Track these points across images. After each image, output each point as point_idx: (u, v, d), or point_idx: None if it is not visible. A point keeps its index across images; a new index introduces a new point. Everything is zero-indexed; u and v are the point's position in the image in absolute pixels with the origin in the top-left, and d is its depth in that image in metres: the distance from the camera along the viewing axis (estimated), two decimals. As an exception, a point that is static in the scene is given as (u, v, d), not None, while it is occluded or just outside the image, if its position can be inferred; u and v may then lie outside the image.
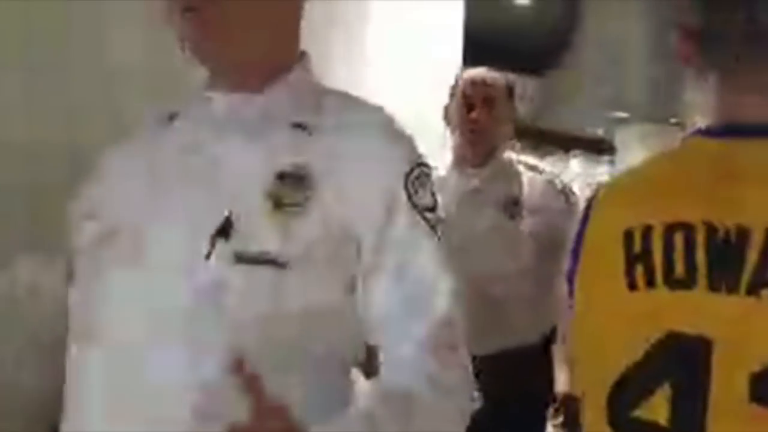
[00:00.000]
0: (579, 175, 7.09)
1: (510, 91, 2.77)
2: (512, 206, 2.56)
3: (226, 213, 1.10)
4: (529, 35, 6.85)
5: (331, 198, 1.13)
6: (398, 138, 1.21)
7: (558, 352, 2.58)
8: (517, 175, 2.67)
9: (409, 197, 1.16)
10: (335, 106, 1.24)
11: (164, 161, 1.19)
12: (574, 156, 7.42)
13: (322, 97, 1.24)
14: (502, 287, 2.47)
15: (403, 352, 1.13)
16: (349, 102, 1.26)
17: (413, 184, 1.17)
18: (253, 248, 1.09)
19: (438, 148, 2.81)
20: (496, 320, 2.45)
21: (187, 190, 1.15)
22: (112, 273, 1.14)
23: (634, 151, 6.83)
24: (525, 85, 5.58)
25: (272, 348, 1.08)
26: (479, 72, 2.78)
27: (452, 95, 2.75)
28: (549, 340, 2.63)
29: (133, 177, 1.21)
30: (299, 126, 1.18)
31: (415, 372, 1.13)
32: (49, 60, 2.15)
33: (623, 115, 7.23)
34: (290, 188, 1.12)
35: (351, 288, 1.13)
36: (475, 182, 2.65)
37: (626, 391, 1.02)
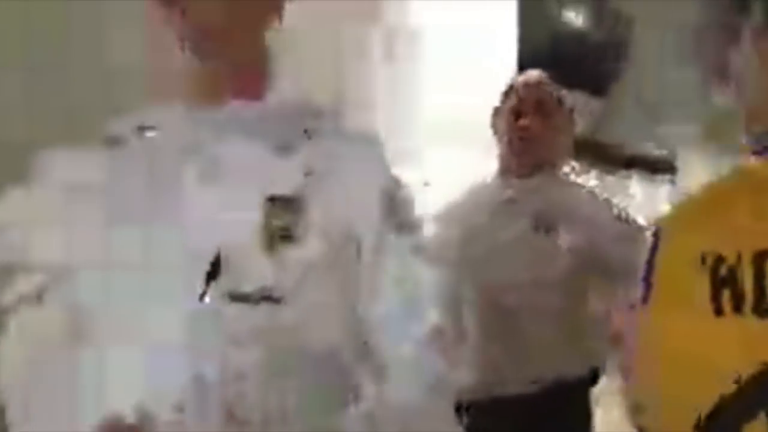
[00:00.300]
0: (638, 194, 6.90)
1: (570, 109, 2.51)
2: (545, 220, 2.31)
3: (217, 249, 1.09)
4: (584, 53, 6.76)
5: (329, 202, 1.13)
6: (385, 156, 1.22)
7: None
8: (564, 191, 2.41)
9: (394, 215, 1.17)
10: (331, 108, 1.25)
11: (162, 163, 1.19)
12: (634, 174, 7.15)
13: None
14: (516, 298, 2.25)
15: (404, 352, 1.13)
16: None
17: (399, 204, 1.18)
18: (247, 287, 1.09)
19: (488, 156, 2.67)
20: (517, 335, 2.23)
21: (185, 200, 1.15)
22: (107, 274, 1.14)
23: (696, 169, 6.66)
24: (585, 103, 5.50)
25: (271, 355, 1.08)
26: (535, 74, 2.51)
27: (504, 96, 2.49)
28: (595, 375, 2.39)
29: (127, 177, 1.21)
30: (293, 141, 1.18)
31: (417, 371, 1.13)
32: (49, 60, 2.15)
33: (685, 131, 6.94)
34: (282, 209, 1.12)
35: (351, 288, 1.13)
36: (509, 192, 2.40)
37: (719, 422, 1.00)
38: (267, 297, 1.08)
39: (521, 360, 2.21)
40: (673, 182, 7.05)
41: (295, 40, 3.29)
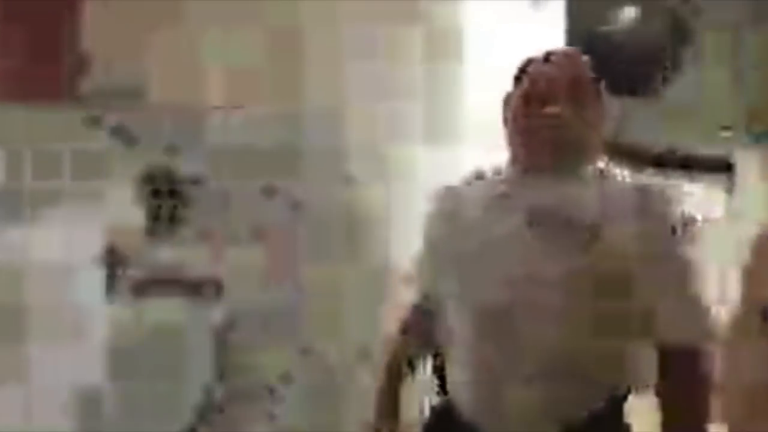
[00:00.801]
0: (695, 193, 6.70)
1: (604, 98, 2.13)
2: (541, 216, 2.03)
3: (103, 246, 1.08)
4: (635, 55, 6.68)
5: None
6: None
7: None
8: (590, 189, 2.07)
9: None
10: None
11: None
12: (688, 175, 6.94)
13: None
14: (511, 294, 2.02)
15: None
16: None
17: None
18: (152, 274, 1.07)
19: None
20: (512, 333, 2.01)
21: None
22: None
23: (752, 171, 6.50)
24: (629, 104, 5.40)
25: None
26: (564, 51, 2.14)
27: (517, 80, 2.14)
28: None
29: None
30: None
31: None
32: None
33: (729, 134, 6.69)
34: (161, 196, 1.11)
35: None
36: (502, 187, 2.13)
37: None
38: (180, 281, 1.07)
39: (516, 358, 2.01)
40: (730, 181, 6.85)
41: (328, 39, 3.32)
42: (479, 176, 2.24)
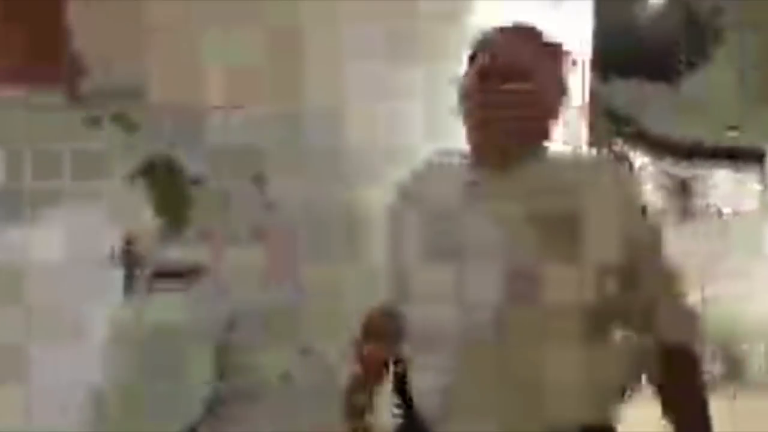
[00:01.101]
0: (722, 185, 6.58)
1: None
2: (510, 203, 1.90)
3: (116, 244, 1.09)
4: (663, 40, 6.61)
5: None
6: None
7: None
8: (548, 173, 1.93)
9: None
10: None
11: None
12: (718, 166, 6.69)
13: None
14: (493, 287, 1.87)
15: None
16: None
17: None
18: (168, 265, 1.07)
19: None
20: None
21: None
22: None
23: None
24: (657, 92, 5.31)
25: None
26: (525, 26, 1.99)
27: (471, 59, 1.97)
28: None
29: None
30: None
31: None
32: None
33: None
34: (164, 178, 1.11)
35: None
36: (470, 174, 1.97)
37: None
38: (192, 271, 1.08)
39: (503, 357, 1.87)
40: (763, 172, 6.73)
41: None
42: (440, 164, 2.09)
